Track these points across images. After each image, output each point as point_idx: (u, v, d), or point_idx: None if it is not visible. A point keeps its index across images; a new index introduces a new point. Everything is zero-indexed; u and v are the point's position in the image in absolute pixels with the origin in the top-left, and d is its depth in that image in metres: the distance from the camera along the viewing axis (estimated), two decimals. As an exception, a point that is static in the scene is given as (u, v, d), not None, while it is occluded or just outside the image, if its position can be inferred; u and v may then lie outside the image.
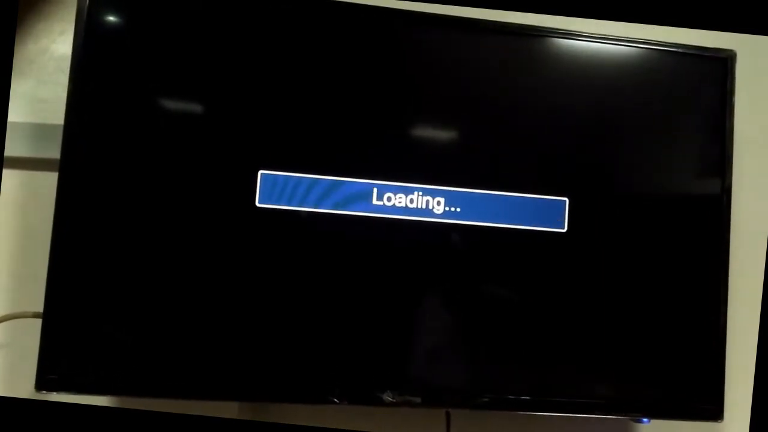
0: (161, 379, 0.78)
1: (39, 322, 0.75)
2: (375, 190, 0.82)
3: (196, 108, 0.82)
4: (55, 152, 0.77)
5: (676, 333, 0.88)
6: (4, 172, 0.89)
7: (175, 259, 0.79)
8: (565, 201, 0.86)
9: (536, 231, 0.85)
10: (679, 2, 0.97)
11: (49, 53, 0.96)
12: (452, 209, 0.84)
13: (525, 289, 0.86)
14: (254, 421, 0.92)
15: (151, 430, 0.85)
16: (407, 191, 0.83)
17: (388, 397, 0.81)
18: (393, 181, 0.83)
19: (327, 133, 0.83)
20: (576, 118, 0.89)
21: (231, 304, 0.80)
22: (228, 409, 0.90)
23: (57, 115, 0.79)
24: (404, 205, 0.83)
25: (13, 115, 0.91)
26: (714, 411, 0.88)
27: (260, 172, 0.80)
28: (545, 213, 0.86)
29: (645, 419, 0.88)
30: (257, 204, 0.80)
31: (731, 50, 0.92)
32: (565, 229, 0.86)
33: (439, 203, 0.83)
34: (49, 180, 0.78)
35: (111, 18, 0.80)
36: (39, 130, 0.92)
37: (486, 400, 0.83)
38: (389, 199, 0.83)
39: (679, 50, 0.91)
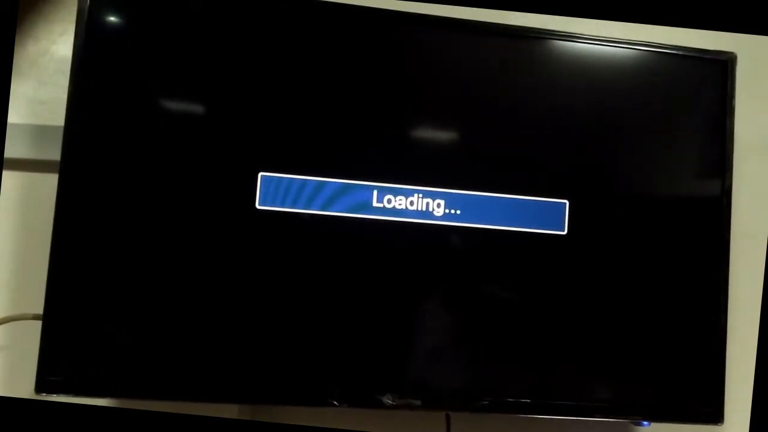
0: (161, 382, 0.78)
1: (39, 324, 0.75)
2: (375, 192, 0.82)
3: (196, 110, 0.82)
4: (55, 154, 0.77)
5: (676, 335, 0.88)
6: (4, 173, 0.89)
7: (176, 261, 0.79)
8: (565, 203, 0.86)
9: (536, 233, 0.85)
10: (679, 2, 0.97)
11: (50, 55, 0.95)
12: (452, 211, 0.84)
13: (525, 292, 0.86)
14: (254, 421, 0.92)
15: (151, 430, 0.84)
16: (407, 193, 0.83)
17: (388, 400, 0.80)
18: (393, 183, 0.83)
19: (327, 135, 0.83)
20: (576, 120, 0.89)
21: (231, 307, 0.80)
22: (228, 409, 0.90)
23: (57, 117, 0.80)
24: (404, 208, 0.83)
25: (14, 117, 0.91)
26: (714, 414, 0.88)
27: (260, 174, 0.80)
28: (545, 215, 0.86)
29: (645, 422, 0.88)
30: (257, 206, 0.80)
31: (732, 53, 0.92)
32: (565, 232, 0.86)
33: (439, 205, 0.83)
34: (50, 182, 0.78)
35: (111, 19, 0.80)
36: (39, 132, 0.92)
37: (486, 402, 0.83)
38: (389, 201, 0.83)
39: (680, 53, 0.91)
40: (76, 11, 0.78)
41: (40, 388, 0.75)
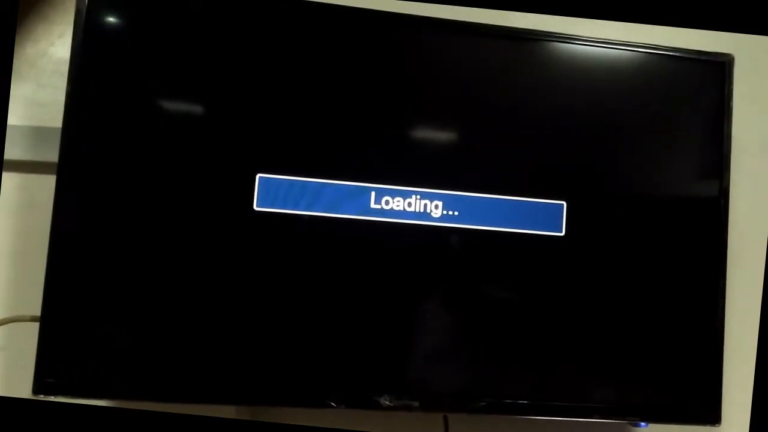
0: (159, 383, 0.78)
1: (36, 325, 0.75)
2: (373, 193, 0.82)
3: (194, 111, 0.82)
4: (53, 155, 0.77)
5: (674, 336, 0.88)
6: (4, 174, 0.89)
7: (173, 263, 0.79)
8: (563, 205, 0.86)
9: (534, 235, 0.85)
10: (678, 2, 0.97)
11: (48, 56, 0.96)
12: (450, 213, 0.84)
13: (523, 293, 0.86)
14: (253, 421, 0.92)
15: (151, 430, 0.84)
16: (405, 195, 0.83)
17: (386, 401, 0.80)
18: (391, 184, 0.83)
19: (325, 137, 0.83)
20: (574, 122, 0.89)
21: (229, 308, 0.80)
22: (226, 409, 0.90)
23: (55, 118, 0.79)
24: (402, 209, 0.83)
25: (12, 118, 0.91)
26: (712, 415, 0.88)
27: (258, 175, 0.80)
28: (543, 217, 0.86)
29: (643, 423, 0.88)
30: (255, 207, 0.80)
31: (730, 54, 0.92)
32: (563, 233, 0.86)
33: (437, 207, 0.83)
34: (48, 183, 0.78)
35: (110, 21, 0.80)
36: (37, 133, 0.92)
37: (484, 404, 0.83)
38: (387, 202, 0.83)
39: (678, 54, 0.91)
40: (74, 13, 0.78)
41: (37, 389, 0.75)
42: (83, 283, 0.77)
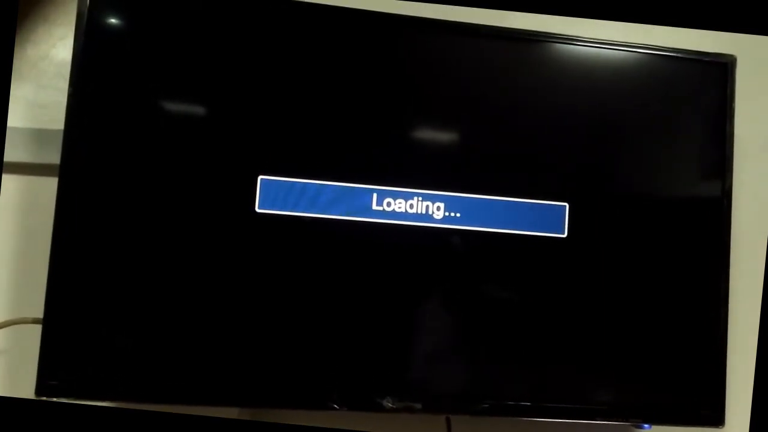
0: (160, 385, 0.78)
1: (39, 327, 0.75)
2: (375, 195, 0.82)
3: (196, 113, 0.81)
4: (55, 157, 0.77)
5: (676, 338, 0.88)
6: (5, 177, 0.89)
7: (175, 265, 0.79)
8: (565, 206, 0.86)
9: (536, 236, 0.85)
10: (679, 2, 0.97)
11: (49, 58, 0.96)
12: (452, 214, 0.84)
13: (525, 295, 0.86)
14: (254, 422, 0.92)
15: (151, 430, 0.84)
16: (407, 196, 0.83)
17: (388, 403, 0.80)
18: (393, 186, 0.83)
19: (327, 139, 0.83)
20: (576, 123, 0.89)
21: (230, 310, 0.79)
22: (227, 409, 0.90)
23: (57, 120, 0.79)
24: (404, 211, 0.83)
25: (14, 120, 0.91)
26: (715, 416, 0.88)
27: (260, 177, 0.80)
28: (545, 218, 0.85)
29: (646, 425, 0.88)
30: (257, 209, 0.80)
31: (732, 55, 0.92)
32: (565, 235, 0.86)
33: (438, 208, 0.83)
34: (49, 185, 0.78)
35: (111, 23, 0.80)
36: (39, 135, 0.92)
37: (486, 405, 0.83)
38: (389, 204, 0.83)
39: (680, 55, 0.91)
40: (76, 15, 0.78)
41: (40, 391, 0.75)
42: (85, 285, 0.77)
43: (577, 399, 0.86)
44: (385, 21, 0.86)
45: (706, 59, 0.92)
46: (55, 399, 0.76)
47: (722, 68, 0.92)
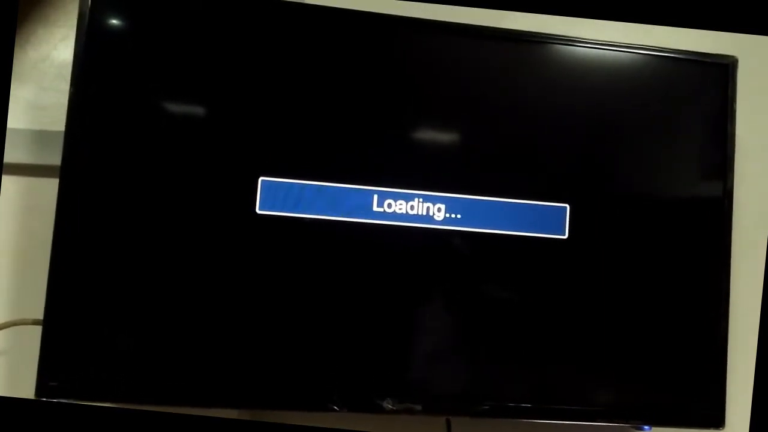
0: (161, 387, 0.78)
1: (39, 329, 0.75)
2: (375, 196, 0.82)
3: (197, 114, 0.82)
4: (56, 159, 0.77)
5: (677, 339, 0.88)
6: (6, 178, 0.89)
7: (176, 266, 0.79)
8: (565, 207, 0.86)
9: (537, 237, 0.85)
10: (680, 3, 0.97)
11: (50, 60, 0.96)
12: (453, 216, 0.84)
13: (526, 296, 0.86)
14: (254, 422, 0.92)
15: (151, 430, 0.84)
16: (408, 198, 0.83)
17: (388, 405, 0.80)
18: (393, 187, 0.83)
19: (327, 140, 0.83)
20: (577, 124, 0.89)
21: (231, 312, 0.79)
22: (228, 410, 0.90)
23: (58, 122, 0.80)
24: (405, 212, 0.83)
25: (15, 122, 0.91)
26: (715, 418, 0.88)
27: (261, 178, 0.80)
28: (546, 219, 0.85)
29: (646, 426, 0.88)
30: (258, 210, 0.80)
31: (733, 56, 0.92)
32: (566, 236, 0.86)
33: (439, 210, 0.83)
34: (50, 187, 0.78)
35: (112, 24, 0.80)
36: (40, 137, 0.92)
37: (487, 407, 0.83)
38: (390, 205, 0.83)
39: (681, 56, 0.91)
40: (77, 16, 0.78)
41: (40, 392, 0.75)
42: (86, 286, 0.77)
43: (577, 400, 0.85)
44: (385, 22, 0.86)
45: (707, 60, 0.92)
46: (55, 400, 0.76)
47: (723, 69, 0.92)
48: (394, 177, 0.83)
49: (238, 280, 0.80)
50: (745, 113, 0.93)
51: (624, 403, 0.87)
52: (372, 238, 0.82)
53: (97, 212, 0.78)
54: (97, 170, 0.78)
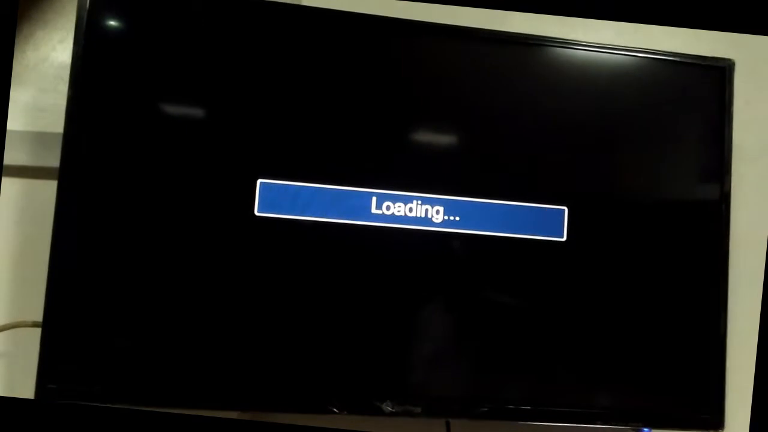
0: (160, 389, 0.78)
1: (38, 331, 0.75)
2: (374, 198, 0.82)
3: (195, 116, 0.82)
4: (54, 161, 0.77)
5: (676, 342, 0.88)
6: (4, 180, 0.89)
7: (175, 268, 0.79)
8: (564, 210, 0.86)
9: (535, 240, 0.85)
10: (678, 3, 0.97)
11: (49, 61, 0.96)
12: (451, 218, 0.84)
13: (524, 299, 0.86)
14: (254, 421, 0.91)
15: (151, 430, 0.84)
16: (406, 200, 0.83)
17: (387, 407, 0.80)
18: (392, 189, 0.83)
19: (326, 142, 0.83)
20: (575, 127, 0.89)
21: (230, 314, 0.79)
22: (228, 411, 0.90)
23: (57, 124, 0.79)
24: (403, 214, 0.83)
25: (13, 124, 0.91)
26: (714, 420, 0.88)
27: (259, 180, 0.80)
28: (544, 222, 0.86)
29: (645, 429, 0.88)
30: (256, 213, 0.80)
31: (730, 59, 0.92)
32: (564, 238, 0.86)
33: (438, 212, 0.83)
34: (49, 188, 0.78)
35: (111, 26, 0.80)
36: (39, 139, 0.91)
37: (486, 409, 0.83)
38: (388, 207, 0.83)
39: (678, 59, 0.92)
40: (75, 18, 0.78)
41: (39, 395, 0.75)
42: (85, 288, 0.77)
43: (576, 403, 0.86)
44: (384, 25, 0.86)
45: (705, 63, 0.92)
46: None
47: (720, 72, 0.92)
48: (393, 179, 0.83)
49: (237, 282, 0.80)
50: (742, 115, 0.94)
51: (623, 405, 0.87)
52: (370, 240, 0.82)
53: (95, 214, 0.78)
54: (95, 172, 0.78)
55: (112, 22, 0.80)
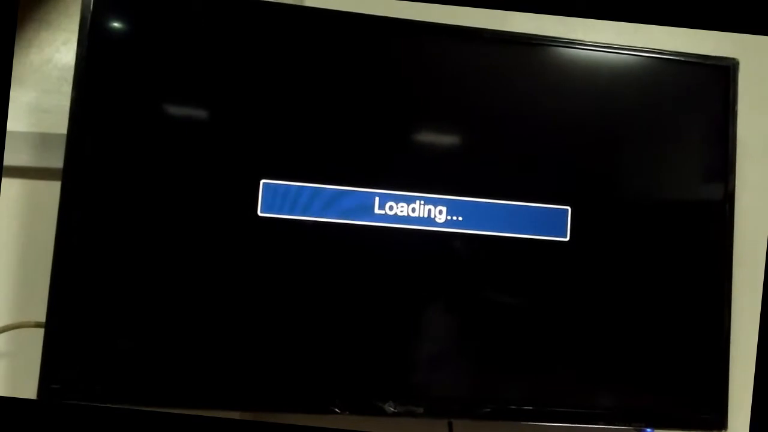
0: (163, 389, 0.78)
1: (41, 331, 0.76)
2: (377, 199, 0.82)
3: (199, 117, 0.82)
4: (58, 162, 0.77)
5: (679, 342, 0.88)
6: (8, 181, 0.90)
7: (178, 269, 0.79)
8: (567, 210, 0.86)
9: (539, 240, 0.85)
10: (681, 3, 0.97)
11: (53, 63, 0.96)
12: (454, 218, 0.84)
13: (527, 299, 0.86)
14: (255, 422, 0.91)
15: (151, 430, 0.84)
16: (409, 200, 0.83)
17: (390, 407, 0.80)
18: (395, 190, 0.83)
19: (329, 142, 0.83)
20: (578, 126, 0.89)
21: (233, 314, 0.80)
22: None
23: (60, 125, 0.80)
24: (406, 215, 0.83)
25: (18, 125, 0.91)
26: (717, 420, 0.88)
27: (262, 181, 0.81)
28: (548, 222, 0.85)
29: (648, 429, 0.88)
30: (259, 213, 0.80)
31: (734, 58, 0.92)
32: (567, 238, 0.86)
33: (441, 212, 0.83)
34: (52, 189, 0.79)
35: (114, 27, 0.80)
36: (42, 140, 0.92)
37: (489, 410, 0.83)
38: (391, 208, 0.83)
39: (682, 58, 0.91)
40: (79, 20, 0.78)
41: (42, 395, 0.75)
42: (88, 289, 0.77)
43: (579, 403, 0.85)
44: (386, 25, 0.86)
45: (709, 62, 0.92)
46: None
47: (724, 71, 0.92)
48: (396, 179, 0.83)
49: (240, 282, 0.80)
50: (746, 114, 0.93)
51: (626, 405, 0.87)
52: (373, 240, 0.82)
53: (99, 215, 0.78)
54: (99, 173, 0.78)
55: (116, 24, 0.80)
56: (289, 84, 0.83)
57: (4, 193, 0.88)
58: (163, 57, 0.81)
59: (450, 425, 0.90)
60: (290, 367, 0.80)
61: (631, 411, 0.87)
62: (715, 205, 0.91)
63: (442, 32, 0.88)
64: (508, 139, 0.88)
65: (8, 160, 0.86)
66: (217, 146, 0.81)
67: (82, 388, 0.77)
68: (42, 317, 0.76)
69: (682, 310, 0.89)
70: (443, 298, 0.84)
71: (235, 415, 0.90)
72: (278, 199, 0.81)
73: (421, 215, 0.83)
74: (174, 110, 0.81)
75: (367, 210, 0.82)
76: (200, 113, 0.82)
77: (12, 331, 0.87)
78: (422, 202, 0.83)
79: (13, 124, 0.87)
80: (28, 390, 0.75)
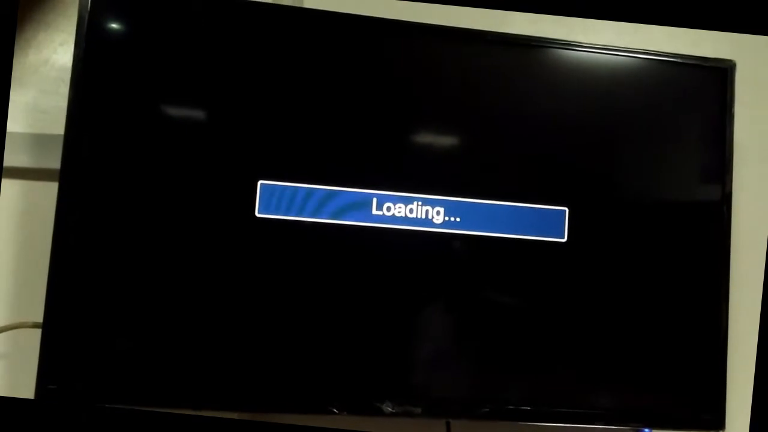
0: (160, 390, 0.78)
1: (39, 332, 0.75)
2: (374, 199, 0.83)
3: (196, 118, 0.82)
4: (55, 162, 0.77)
5: (676, 342, 0.88)
6: (5, 181, 0.90)
7: (175, 269, 0.79)
8: (564, 210, 0.86)
9: (536, 241, 0.85)
10: (679, 3, 0.97)
11: (50, 64, 0.96)
12: (452, 219, 0.84)
13: (525, 299, 0.86)
14: (254, 422, 0.91)
15: (151, 430, 0.84)
16: (407, 201, 0.83)
17: (388, 408, 0.80)
18: (392, 190, 0.83)
19: (326, 143, 0.83)
20: (576, 128, 0.89)
21: (231, 315, 0.80)
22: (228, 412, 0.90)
23: (58, 126, 0.80)
24: (404, 215, 0.83)
25: (15, 125, 0.91)
26: (715, 420, 0.88)
27: (260, 182, 0.81)
28: (545, 223, 0.86)
29: (646, 429, 0.88)
30: (257, 214, 0.80)
31: (731, 60, 0.92)
32: (565, 239, 0.86)
33: (438, 213, 0.83)
34: (50, 190, 0.78)
35: (112, 28, 0.80)
36: (40, 140, 0.92)
37: (487, 410, 0.83)
38: (389, 208, 0.83)
39: (679, 60, 0.92)
40: (77, 21, 0.78)
41: (39, 395, 0.75)
42: (85, 289, 0.77)
43: (577, 403, 0.85)
44: (384, 27, 0.86)
45: (706, 64, 0.92)
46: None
47: (722, 73, 0.92)
48: (393, 180, 0.83)
49: (238, 283, 0.80)
50: (743, 116, 0.94)
51: (624, 406, 0.87)
52: (371, 241, 0.82)
53: (96, 215, 0.78)
54: (96, 174, 0.78)
55: (113, 25, 0.80)
56: (287, 85, 0.83)
57: (2, 193, 0.88)
58: (161, 58, 0.81)
59: (448, 425, 0.90)
60: (288, 367, 0.80)
61: (630, 411, 0.87)
62: (713, 206, 0.91)
63: (439, 34, 0.88)
64: (506, 140, 0.88)
65: (6, 161, 0.86)
66: (214, 147, 0.81)
67: (79, 389, 0.77)
68: (39, 318, 0.76)
69: (679, 311, 0.89)
70: (441, 299, 0.84)
71: (233, 415, 0.90)
72: (275, 200, 0.81)
73: (419, 216, 0.83)
74: (171, 111, 0.81)
75: (365, 210, 0.82)
76: (198, 114, 0.82)
77: (10, 332, 0.87)
78: (420, 202, 0.83)
79: (10, 125, 0.86)
80: (26, 390, 0.75)
